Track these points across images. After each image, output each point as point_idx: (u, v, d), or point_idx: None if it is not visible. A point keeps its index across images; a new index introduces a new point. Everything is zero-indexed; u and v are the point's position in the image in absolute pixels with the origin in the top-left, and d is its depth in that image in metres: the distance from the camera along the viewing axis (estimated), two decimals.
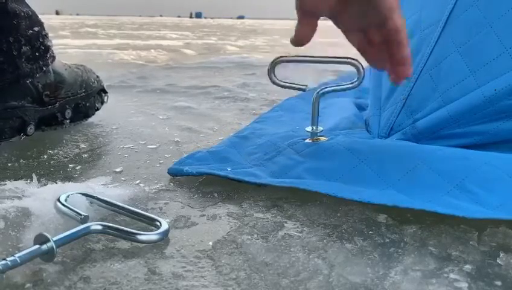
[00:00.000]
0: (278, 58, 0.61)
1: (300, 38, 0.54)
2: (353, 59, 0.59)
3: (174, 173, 0.60)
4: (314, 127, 0.64)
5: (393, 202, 0.48)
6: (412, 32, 0.68)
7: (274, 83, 0.62)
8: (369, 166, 0.55)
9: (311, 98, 0.63)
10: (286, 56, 0.60)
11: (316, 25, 0.54)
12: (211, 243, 0.44)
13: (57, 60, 0.82)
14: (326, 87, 0.62)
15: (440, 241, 0.44)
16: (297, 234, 0.46)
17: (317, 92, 0.62)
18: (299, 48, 0.56)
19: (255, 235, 0.45)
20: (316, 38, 0.54)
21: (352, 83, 0.61)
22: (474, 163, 0.51)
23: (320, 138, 0.64)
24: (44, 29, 0.78)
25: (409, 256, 0.42)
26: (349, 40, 0.57)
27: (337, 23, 0.55)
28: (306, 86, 0.63)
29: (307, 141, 0.64)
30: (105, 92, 0.93)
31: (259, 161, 0.62)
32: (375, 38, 0.55)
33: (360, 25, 0.55)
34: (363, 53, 0.57)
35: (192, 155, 0.64)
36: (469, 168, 0.51)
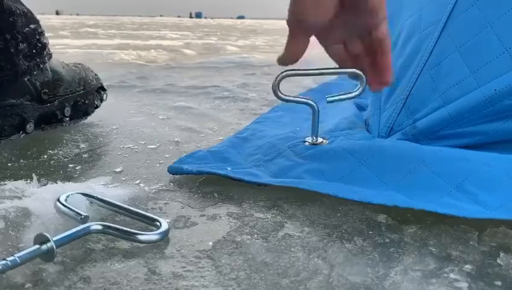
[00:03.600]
0: (283, 73, 0.59)
1: (293, 56, 0.53)
2: (354, 68, 0.58)
3: (174, 171, 0.60)
4: (314, 138, 0.64)
5: (393, 202, 0.48)
6: (412, 32, 0.68)
7: (280, 98, 0.60)
8: (369, 168, 0.55)
9: (312, 99, 0.63)
10: (290, 70, 0.59)
11: (308, 41, 0.53)
12: (211, 243, 0.44)
13: (53, 58, 0.82)
14: (330, 97, 0.61)
15: (440, 241, 0.44)
16: (297, 234, 0.46)
17: (317, 106, 0.63)
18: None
19: (255, 235, 0.45)
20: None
21: (356, 90, 0.60)
22: (474, 164, 0.51)
23: (322, 140, 0.64)
24: (40, 27, 0.79)
25: (409, 256, 0.42)
26: (330, 54, 0.57)
27: (322, 36, 0.55)
28: (312, 101, 0.63)
29: (307, 144, 0.64)
30: (104, 90, 0.93)
31: (259, 162, 0.62)
32: (356, 48, 0.55)
33: (345, 36, 0.55)
34: (343, 65, 0.57)
35: (192, 154, 0.64)
36: (469, 170, 0.51)
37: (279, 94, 0.59)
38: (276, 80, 0.58)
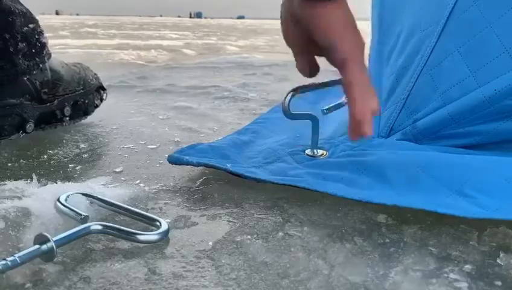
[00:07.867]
0: (290, 92, 0.58)
1: (301, 71, 0.55)
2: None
3: (174, 161, 0.60)
4: (315, 151, 0.64)
5: (393, 202, 0.48)
6: (412, 32, 0.68)
7: (291, 118, 0.60)
8: (369, 176, 0.55)
9: (312, 99, 0.63)
10: (297, 87, 0.59)
11: (308, 59, 0.54)
12: (211, 243, 0.44)
13: (53, 58, 0.82)
14: (325, 108, 0.62)
15: (440, 241, 0.44)
16: (297, 234, 0.46)
17: (315, 119, 0.63)
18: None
19: (255, 235, 0.45)
20: None
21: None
22: (473, 169, 0.51)
23: (322, 152, 0.64)
24: (39, 26, 0.79)
25: (409, 256, 0.42)
26: (301, 65, 0.56)
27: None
28: (314, 114, 0.64)
29: (306, 154, 0.64)
30: (104, 89, 0.93)
31: (258, 164, 0.62)
32: None
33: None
34: (312, 76, 0.57)
35: (193, 146, 0.64)
36: (468, 175, 0.51)
37: (290, 114, 0.59)
38: (285, 99, 0.57)
